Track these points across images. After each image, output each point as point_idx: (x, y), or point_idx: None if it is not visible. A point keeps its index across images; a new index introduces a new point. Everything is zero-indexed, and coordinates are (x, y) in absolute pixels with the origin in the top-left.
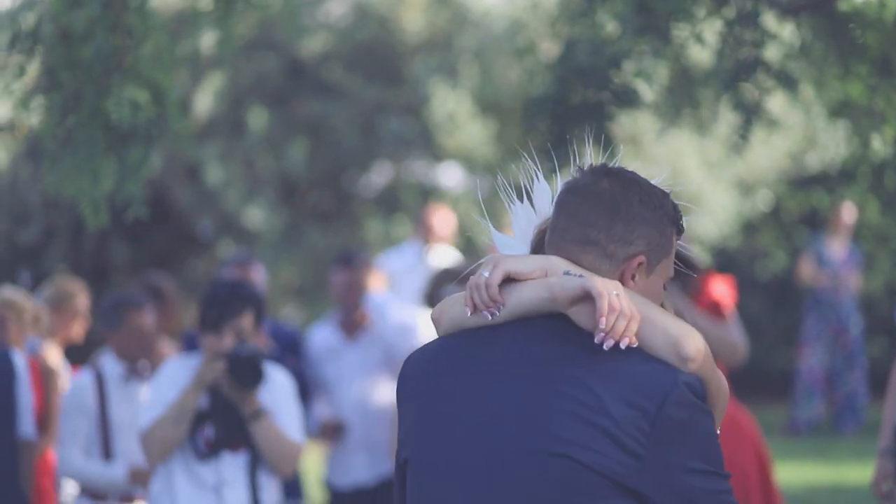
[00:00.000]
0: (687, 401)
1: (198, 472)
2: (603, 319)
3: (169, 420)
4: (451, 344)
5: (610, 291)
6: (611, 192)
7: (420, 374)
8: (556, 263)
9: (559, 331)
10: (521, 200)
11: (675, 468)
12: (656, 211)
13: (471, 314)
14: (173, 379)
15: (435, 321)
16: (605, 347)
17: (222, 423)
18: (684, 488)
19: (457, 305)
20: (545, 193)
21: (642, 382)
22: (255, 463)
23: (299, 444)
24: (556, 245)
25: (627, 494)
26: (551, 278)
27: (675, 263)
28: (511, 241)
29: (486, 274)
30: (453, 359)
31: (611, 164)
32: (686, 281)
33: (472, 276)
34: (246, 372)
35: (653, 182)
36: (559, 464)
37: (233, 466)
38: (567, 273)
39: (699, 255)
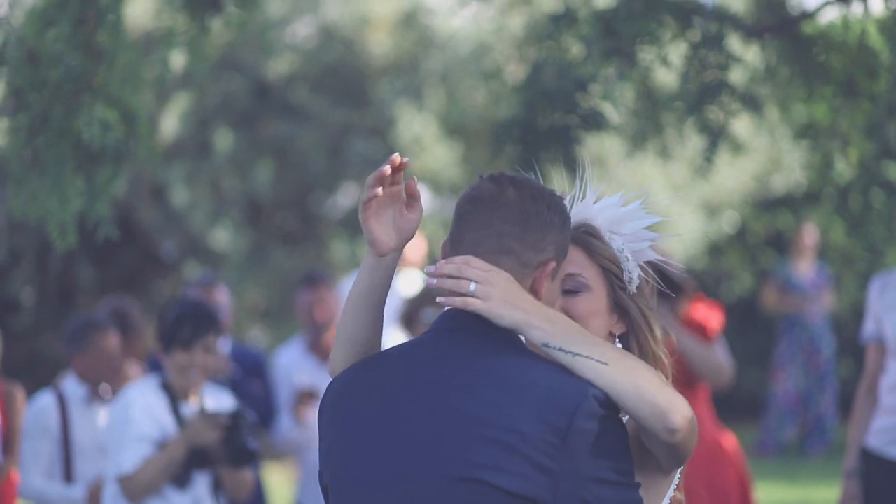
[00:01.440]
0: (596, 413)
1: (170, 494)
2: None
3: (157, 469)
4: (365, 370)
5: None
6: (520, 199)
7: (335, 400)
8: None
9: (467, 350)
10: None
11: (585, 479)
12: (562, 215)
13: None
14: (144, 408)
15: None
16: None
17: (195, 449)
18: (594, 499)
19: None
20: None
21: (552, 396)
22: (218, 482)
23: (253, 474)
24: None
25: None
26: None
27: (662, 284)
28: None
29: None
30: (366, 384)
31: (507, 172)
32: (674, 302)
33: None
34: (240, 452)
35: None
36: (471, 489)
37: (202, 485)
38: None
39: (687, 278)
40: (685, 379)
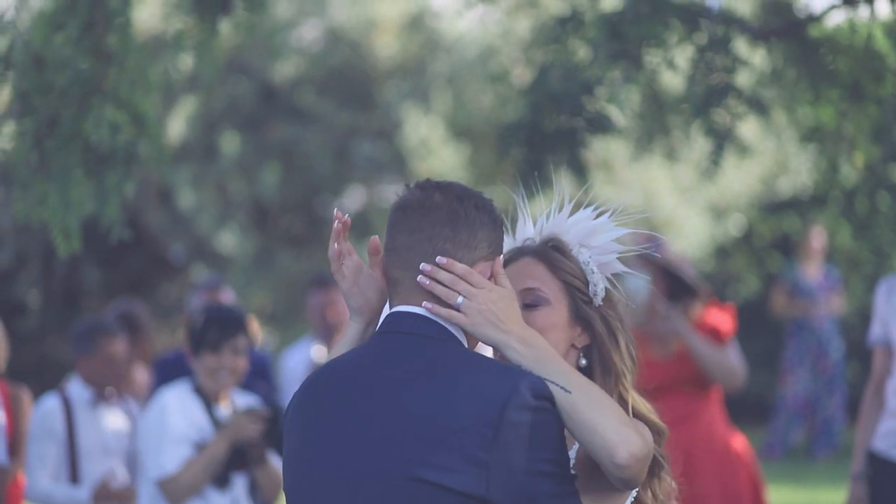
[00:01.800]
0: (528, 404)
1: (210, 496)
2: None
3: (199, 468)
4: (318, 379)
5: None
6: (447, 202)
7: (294, 410)
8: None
9: (409, 351)
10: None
11: (519, 471)
12: (491, 214)
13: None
14: (180, 410)
15: None
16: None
17: (233, 450)
18: (529, 490)
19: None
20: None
21: (484, 391)
22: (254, 483)
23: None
24: (403, 262)
25: (477, 503)
26: None
27: (677, 287)
28: None
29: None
30: (318, 392)
31: (432, 179)
32: (688, 306)
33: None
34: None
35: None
36: (414, 487)
37: (239, 486)
38: None
39: (702, 282)
40: (698, 381)
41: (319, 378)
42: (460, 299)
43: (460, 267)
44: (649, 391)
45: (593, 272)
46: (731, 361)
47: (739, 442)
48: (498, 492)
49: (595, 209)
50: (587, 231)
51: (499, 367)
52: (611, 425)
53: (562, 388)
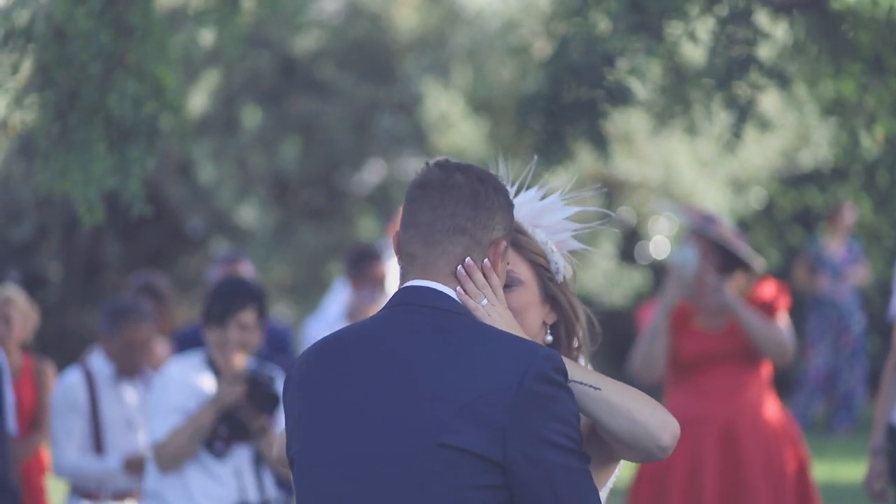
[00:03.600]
0: (546, 376)
1: (211, 465)
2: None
3: (185, 436)
4: (330, 345)
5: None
6: (468, 182)
7: (302, 374)
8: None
9: (424, 322)
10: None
11: (535, 440)
12: (507, 197)
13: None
14: (180, 382)
15: None
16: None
17: (234, 421)
18: (544, 462)
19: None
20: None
21: (504, 359)
22: (259, 456)
23: None
24: (424, 238)
25: (495, 470)
26: None
27: (729, 261)
28: None
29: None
30: (331, 359)
31: (451, 159)
32: (739, 279)
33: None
34: (264, 398)
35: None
36: (439, 454)
37: (243, 457)
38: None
39: (756, 256)
40: (747, 354)
41: (326, 348)
42: (485, 301)
43: (495, 280)
44: (697, 363)
45: (553, 251)
46: (781, 335)
47: (786, 417)
48: (513, 458)
49: (539, 189)
50: (536, 211)
51: (517, 338)
52: (648, 411)
53: (591, 386)
